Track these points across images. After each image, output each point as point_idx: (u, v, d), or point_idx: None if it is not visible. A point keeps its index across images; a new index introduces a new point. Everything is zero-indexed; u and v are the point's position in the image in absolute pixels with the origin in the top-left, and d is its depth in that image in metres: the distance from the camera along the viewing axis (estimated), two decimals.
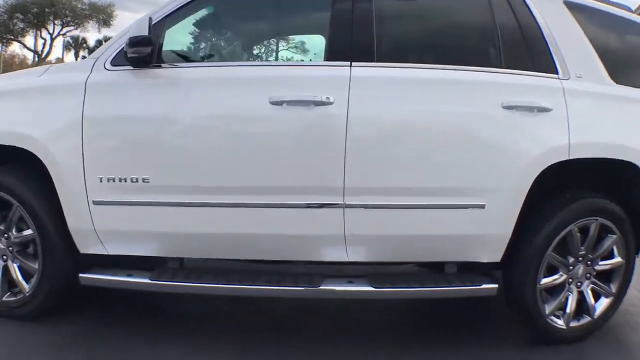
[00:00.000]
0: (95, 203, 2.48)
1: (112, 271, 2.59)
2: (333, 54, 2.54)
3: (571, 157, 2.50)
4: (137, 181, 2.45)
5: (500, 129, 2.49)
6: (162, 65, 2.53)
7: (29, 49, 31.42)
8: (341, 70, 2.48)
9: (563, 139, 2.50)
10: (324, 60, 2.60)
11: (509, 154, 2.49)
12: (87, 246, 2.58)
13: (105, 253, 2.58)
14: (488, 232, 2.53)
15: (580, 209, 2.59)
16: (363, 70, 2.49)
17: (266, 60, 3.84)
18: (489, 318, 3.14)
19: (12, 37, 30.16)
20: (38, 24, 30.40)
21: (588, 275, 2.70)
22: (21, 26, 30.40)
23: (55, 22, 30.69)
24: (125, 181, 2.45)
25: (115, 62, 2.53)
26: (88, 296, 2.87)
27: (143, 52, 2.39)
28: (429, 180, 2.47)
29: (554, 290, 2.67)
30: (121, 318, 2.83)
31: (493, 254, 2.58)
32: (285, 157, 2.45)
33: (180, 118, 2.48)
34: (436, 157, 2.48)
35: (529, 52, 2.63)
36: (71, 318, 2.76)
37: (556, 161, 2.49)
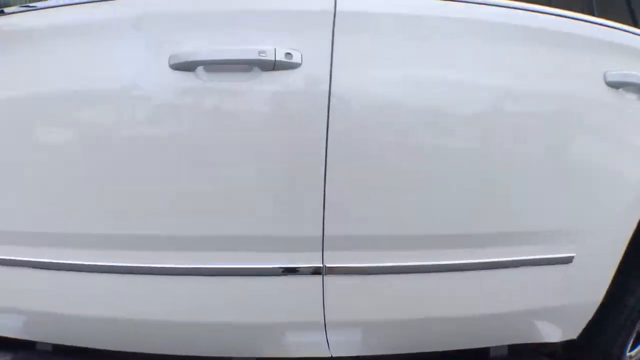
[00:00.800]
0: None
1: None
2: None
3: None
4: None
5: (604, 121, 1.40)
6: (5, 10, 1.30)
7: None
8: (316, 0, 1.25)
9: None
10: None
11: (616, 168, 1.41)
12: None
13: None
14: (573, 300, 1.48)
15: None
16: (359, 2, 1.27)
17: None
18: None
19: None
20: None
21: None
22: None
23: None
24: None
25: None
26: None
27: None
28: (479, 219, 1.34)
29: None
30: None
31: (572, 329, 1.55)
32: (205, 178, 1.24)
33: (20, 101, 1.25)
34: (493, 174, 1.32)
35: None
36: None
37: None
